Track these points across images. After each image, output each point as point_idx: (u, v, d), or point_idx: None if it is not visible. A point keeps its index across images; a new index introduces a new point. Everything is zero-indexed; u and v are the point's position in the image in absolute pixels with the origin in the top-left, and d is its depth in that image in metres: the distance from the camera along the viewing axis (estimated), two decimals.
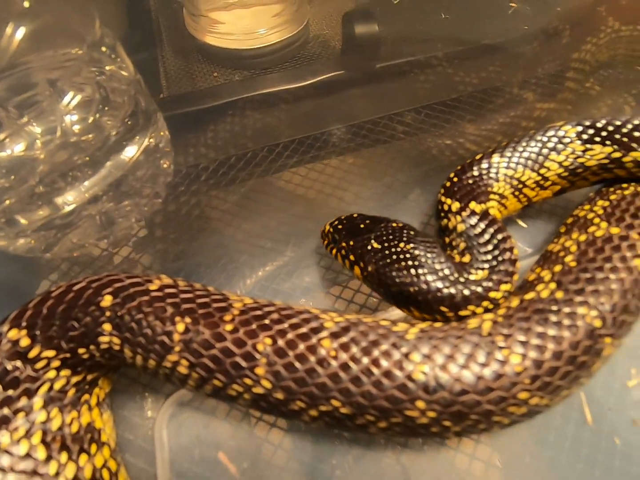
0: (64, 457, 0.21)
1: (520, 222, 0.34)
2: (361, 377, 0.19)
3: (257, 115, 0.47)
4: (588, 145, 0.30)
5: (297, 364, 0.19)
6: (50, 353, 0.23)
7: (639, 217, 0.25)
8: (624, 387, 0.25)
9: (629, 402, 0.25)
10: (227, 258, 0.33)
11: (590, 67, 0.39)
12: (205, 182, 0.38)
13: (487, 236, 0.28)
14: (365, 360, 0.19)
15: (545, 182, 0.31)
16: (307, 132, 0.40)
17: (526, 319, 0.21)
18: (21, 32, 0.25)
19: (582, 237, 0.25)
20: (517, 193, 0.31)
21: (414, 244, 0.27)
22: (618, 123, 0.29)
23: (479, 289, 0.25)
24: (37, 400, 0.22)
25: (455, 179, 0.32)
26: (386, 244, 0.27)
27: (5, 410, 0.21)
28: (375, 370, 0.19)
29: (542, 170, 0.31)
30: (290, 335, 0.20)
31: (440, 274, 0.25)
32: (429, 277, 0.25)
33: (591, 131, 0.30)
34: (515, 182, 0.31)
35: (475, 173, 0.32)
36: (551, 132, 0.31)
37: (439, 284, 0.25)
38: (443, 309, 0.25)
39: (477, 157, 0.32)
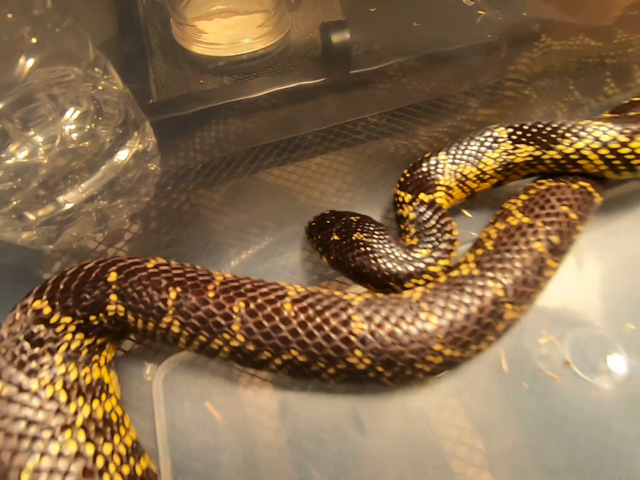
0: (80, 400, 0.27)
1: (466, 213, 0.40)
2: (314, 332, 0.25)
3: (239, 120, 0.52)
4: (517, 145, 0.36)
5: (265, 322, 0.25)
6: (67, 319, 0.28)
7: (545, 208, 0.30)
8: (536, 344, 0.31)
9: (537, 356, 0.31)
10: (213, 245, 0.38)
11: (527, 77, 0.45)
12: (192, 181, 0.43)
13: (432, 221, 0.33)
14: (318, 319, 0.25)
15: (484, 176, 0.37)
16: (283, 135, 0.45)
17: (447, 290, 0.27)
18: (31, 62, 0.30)
19: (502, 226, 0.31)
20: (461, 185, 0.37)
21: (367, 234, 0.32)
22: (540, 126, 0.35)
23: (421, 265, 0.30)
24: (58, 357, 0.27)
25: (408, 175, 0.37)
26: (344, 236, 0.32)
27: (33, 364, 0.26)
28: (325, 327, 0.25)
29: (481, 166, 0.37)
30: (259, 300, 0.25)
31: (390, 256, 0.31)
32: (379, 260, 0.31)
33: (519, 133, 0.36)
34: (459, 176, 0.37)
35: (424, 169, 0.37)
36: (488, 133, 0.37)
37: (388, 265, 0.30)
38: (391, 284, 0.30)
39: (426, 155, 0.38)
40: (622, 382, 0.30)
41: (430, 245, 0.32)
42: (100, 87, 0.37)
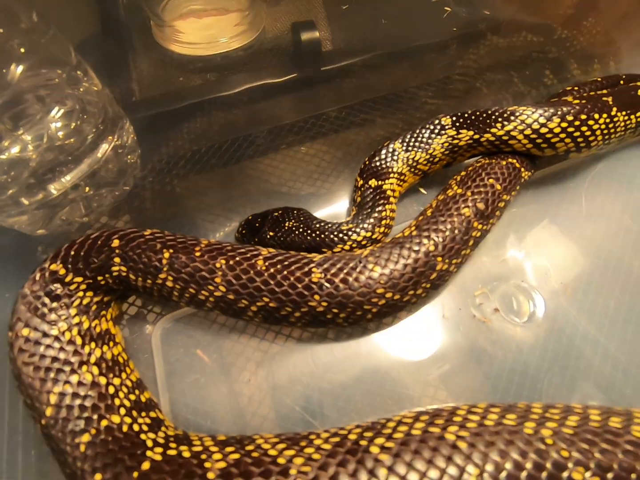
0: (92, 345, 0.32)
1: (422, 190, 0.46)
2: (282, 281, 0.31)
3: (219, 115, 0.56)
4: (459, 131, 0.41)
5: (242, 275, 0.31)
6: (79, 279, 0.33)
7: (476, 181, 0.36)
8: (472, 296, 0.38)
9: (472, 305, 0.37)
10: (191, 225, 0.44)
11: (476, 71, 0.50)
12: (171, 170, 0.48)
13: (370, 203, 0.39)
14: (285, 272, 0.31)
15: (434, 159, 0.43)
16: (261, 127, 0.51)
17: (390, 247, 0.33)
18: (20, 69, 0.35)
19: (441, 197, 0.37)
20: (413, 169, 0.43)
21: (294, 220, 0.38)
22: (477, 113, 0.41)
23: (342, 235, 0.36)
24: (72, 310, 0.33)
25: (367, 162, 0.43)
26: (277, 229, 0.38)
27: (53, 316, 0.32)
28: (290, 277, 0.31)
29: (430, 151, 0.42)
30: (237, 258, 0.31)
31: (318, 231, 0.37)
32: (312, 235, 0.37)
33: (461, 120, 0.41)
34: (411, 162, 0.42)
35: (382, 157, 0.43)
36: (436, 122, 0.42)
37: (319, 237, 0.37)
38: (324, 250, 0.36)
39: (385, 144, 0.43)
40: (539, 323, 0.37)
41: (357, 221, 0.38)
42: (81, 89, 0.42)
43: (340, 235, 0.37)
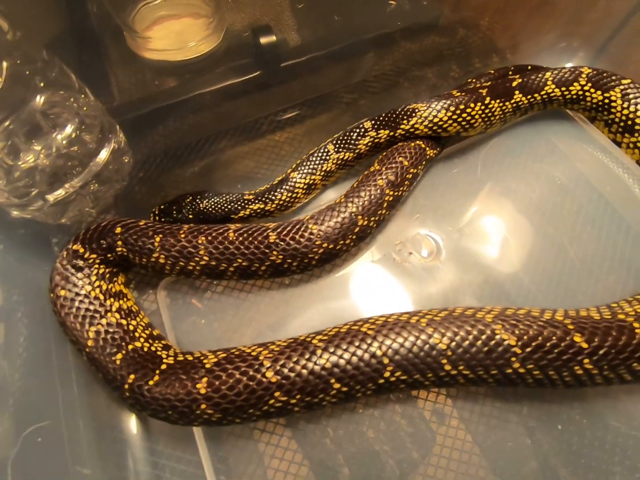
0: (112, 299, 0.44)
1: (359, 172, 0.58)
2: (249, 245, 0.43)
3: (193, 113, 0.65)
4: (378, 131, 0.53)
5: (219, 245, 0.43)
6: (94, 256, 0.44)
7: (390, 159, 0.49)
8: (393, 245, 0.51)
9: (393, 251, 0.50)
10: None
11: (398, 69, 0.62)
12: (157, 166, 0.58)
13: (277, 188, 0.50)
14: (250, 238, 0.43)
15: (360, 156, 0.54)
16: (232, 123, 0.61)
17: (325, 211, 0.45)
18: (42, 99, 0.45)
19: (365, 173, 0.49)
20: (340, 167, 0.54)
21: (206, 200, 0.50)
22: (389, 114, 0.52)
23: (243, 203, 0.49)
24: (92, 277, 0.44)
25: (304, 157, 0.54)
26: (196, 211, 0.50)
27: (79, 282, 0.43)
28: (255, 242, 0.43)
29: (357, 150, 0.53)
30: (213, 234, 0.43)
31: (225, 203, 0.49)
32: (223, 207, 0.49)
33: (379, 122, 0.53)
34: (340, 162, 0.53)
35: (317, 156, 0.53)
36: (360, 126, 0.53)
37: (227, 207, 0.49)
38: (232, 216, 0.49)
39: (322, 144, 0.54)
40: (443, 260, 0.50)
41: (258, 195, 0.50)
42: (80, 104, 0.52)
43: (242, 203, 0.49)
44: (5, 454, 0.35)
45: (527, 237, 0.53)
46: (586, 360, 0.35)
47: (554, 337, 0.36)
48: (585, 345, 0.35)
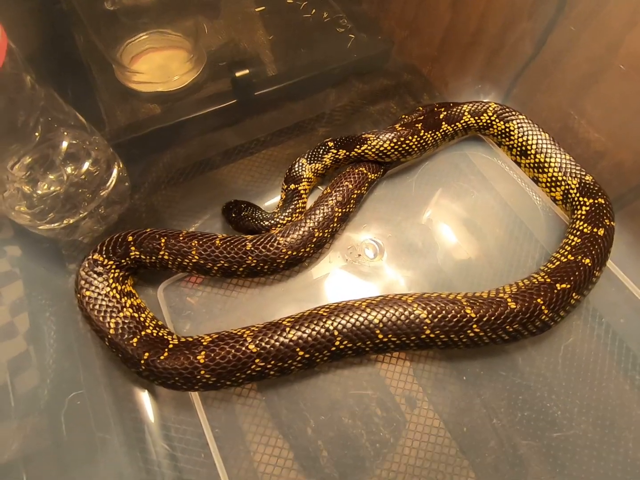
0: (125, 298, 0.56)
1: (320, 188, 0.72)
2: (231, 252, 0.56)
3: (180, 138, 0.76)
4: (338, 150, 0.66)
5: (207, 249, 0.56)
6: (111, 262, 0.56)
7: (338, 183, 0.63)
8: (346, 249, 0.65)
9: (346, 254, 0.65)
10: (169, 226, 0.67)
11: (364, 100, 0.77)
12: (152, 188, 0.71)
13: (288, 200, 0.64)
14: (232, 245, 0.56)
15: (326, 168, 0.67)
16: (214, 149, 0.74)
17: (290, 226, 0.59)
18: (66, 144, 0.57)
19: (320, 195, 0.63)
20: (317, 175, 0.67)
21: (248, 210, 0.63)
22: (346, 139, 0.66)
23: (274, 222, 0.62)
24: (110, 280, 0.56)
25: (287, 172, 0.67)
26: (238, 213, 0.62)
27: (100, 285, 0.55)
28: (235, 248, 0.56)
29: (323, 162, 0.66)
30: (204, 239, 0.56)
31: (259, 219, 0.62)
32: (255, 222, 0.62)
33: (339, 143, 0.66)
34: (313, 170, 0.67)
35: (296, 168, 0.68)
36: (325, 145, 0.67)
37: (259, 224, 0.62)
38: (263, 231, 0.62)
39: (297, 159, 0.68)
40: (385, 260, 0.65)
41: (282, 212, 0.63)
42: (94, 146, 0.64)
43: (273, 221, 0.62)
44: (57, 411, 0.46)
45: (449, 240, 0.68)
46: (475, 326, 0.50)
47: (453, 311, 0.51)
48: (473, 315, 0.50)
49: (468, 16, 0.85)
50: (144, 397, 0.56)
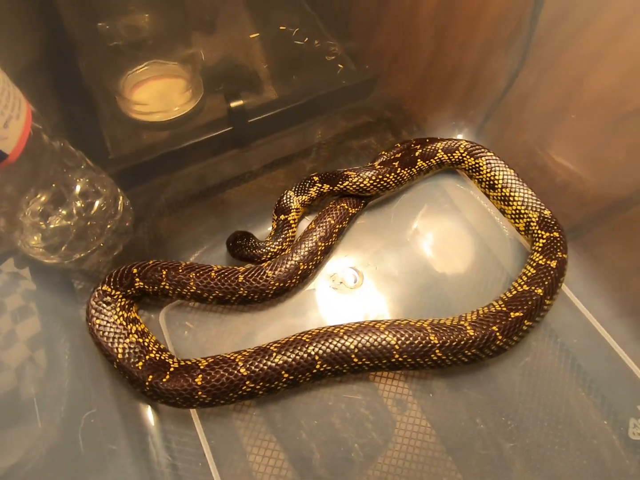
0: (131, 325, 0.63)
1: (306, 217, 0.79)
2: (225, 283, 0.63)
3: (181, 164, 0.83)
4: (322, 184, 0.73)
5: (203, 279, 0.63)
6: (118, 293, 0.63)
7: (321, 219, 0.71)
8: (328, 275, 0.72)
9: (329, 281, 0.72)
10: (169, 256, 0.74)
11: (336, 138, 0.85)
12: (154, 217, 0.78)
13: (279, 230, 0.72)
14: (225, 277, 0.63)
15: (312, 200, 0.74)
16: (209, 181, 0.81)
17: (278, 260, 0.66)
18: (78, 188, 0.64)
19: (305, 230, 0.71)
20: (304, 205, 0.74)
21: (244, 239, 0.70)
22: (330, 174, 0.73)
23: (266, 250, 0.69)
24: (117, 309, 0.63)
25: (277, 204, 0.74)
26: (236, 242, 0.70)
27: (109, 313, 0.62)
28: (228, 280, 0.63)
29: (309, 195, 0.73)
30: (200, 271, 0.63)
31: (253, 248, 0.69)
32: (249, 251, 0.68)
33: (323, 178, 0.73)
34: (300, 201, 0.74)
35: (284, 200, 0.75)
36: (310, 178, 0.74)
37: (253, 252, 0.69)
38: (256, 260, 0.69)
39: (285, 192, 0.75)
40: (364, 287, 0.72)
41: (274, 241, 0.70)
42: (103, 187, 0.71)
43: (264, 249, 0.69)
44: (74, 429, 0.53)
45: (423, 267, 0.76)
46: (437, 351, 0.57)
47: (419, 337, 0.58)
48: (436, 341, 0.58)
49: (448, 50, 0.92)
50: (148, 413, 0.63)
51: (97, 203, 0.67)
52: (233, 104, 0.88)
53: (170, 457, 0.61)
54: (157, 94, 0.90)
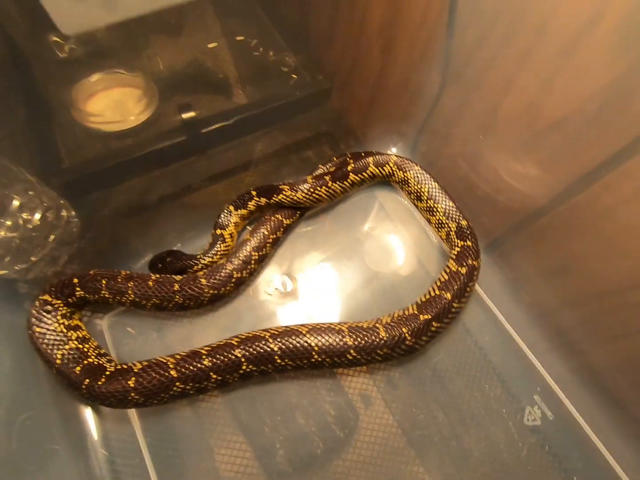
0: (71, 332, 0.67)
1: (248, 227, 0.84)
2: (161, 291, 0.68)
3: (136, 172, 0.87)
4: (260, 198, 0.79)
5: (141, 288, 0.67)
6: (59, 301, 0.67)
7: (256, 230, 0.76)
8: (265, 282, 0.78)
9: (264, 289, 0.77)
10: (113, 265, 0.78)
11: (273, 157, 0.90)
12: (99, 227, 0.81)
13: (213, 244, 0.76)
14: (162, 286, 0.68)
15: (252, 213, 0.80)
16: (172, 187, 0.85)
17: (212, 270, 0.71)
18: (17, 203, 0.68)
19: (241, 241, 0.76)
20: (243, 219, 0.80)
21: (173, 257, 0.74)
22: (267, 188, 0.79)
23: (197, 262, 0.74)
24: (58, 317, 0.67)
25: (216, 219, 0.79)
26: (163, 263, 0.74)
27: (50, 320, 0.66)
28: (164, 288, 0.68)
29: (248, 208, 0.79)
30: (139, 281, 0.68)
31: (185, 260, 0.74)
32: (182, 263, 0.73)
33: (261, 192, 0.78)
34: (239, 215, 0.79)
35: (224, 214, 0.80)
36: (250, 192, 0.79)
37: (185, 263, 0.74)
38: (189, 271, 0.73)
39: (225, 206, 0.80)
40: (298, 293, 0.78)
41: (205, 254, 0.75)
42: (48, 201, 0.74)
43: (195, 261, 0.74)
44: (9, 430, 0.57)
45: (355, 274, 0.82)
46: (352, 351, 0.64)
47: (337, 339, 0.64)
48: (351, 343, 0.64)
49: (391, 65, 0.98)
50: (87, 413, 0.68)
51: (37, 216, 0.70)
52: (185, 115, 0.93)
53: (109, 454, 0.65)
54: (113, 103, 0.93)
